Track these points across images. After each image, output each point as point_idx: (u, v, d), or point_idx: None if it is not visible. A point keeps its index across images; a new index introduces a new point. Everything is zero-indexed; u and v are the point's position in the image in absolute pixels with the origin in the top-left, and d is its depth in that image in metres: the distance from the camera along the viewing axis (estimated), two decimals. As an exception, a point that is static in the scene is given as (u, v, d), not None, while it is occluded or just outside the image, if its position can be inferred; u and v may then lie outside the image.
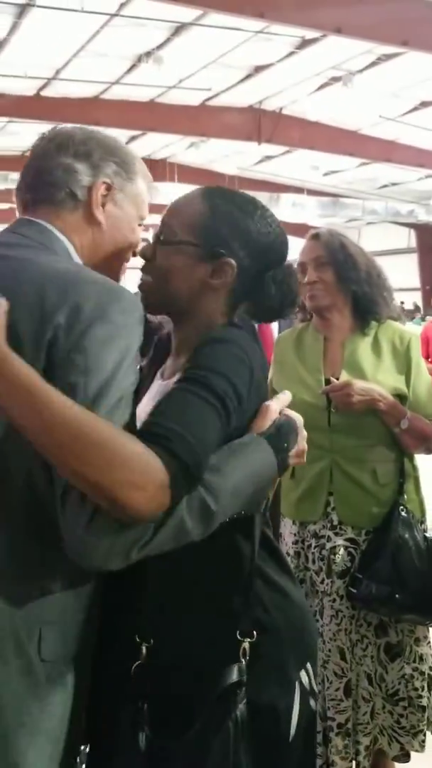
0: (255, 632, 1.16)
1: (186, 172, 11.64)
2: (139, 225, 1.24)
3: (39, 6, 6.35)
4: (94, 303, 1.01)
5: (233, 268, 1.20)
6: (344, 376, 1.92)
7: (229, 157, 10.98)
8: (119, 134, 7.98)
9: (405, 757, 1.96)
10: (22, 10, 6.49)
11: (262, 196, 8.97)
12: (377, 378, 1.91)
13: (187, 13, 6.58)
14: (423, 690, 1.94)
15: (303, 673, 1.23)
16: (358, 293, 1.94)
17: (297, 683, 1.20)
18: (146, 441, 0.98)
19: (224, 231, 1.20)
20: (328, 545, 1.94)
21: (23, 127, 9.81)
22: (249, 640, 1.15)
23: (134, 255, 1.25)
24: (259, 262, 1.22)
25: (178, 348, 1.27)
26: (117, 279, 1.21)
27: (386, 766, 2.00)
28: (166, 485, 0.96)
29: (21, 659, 1.04)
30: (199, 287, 1.20)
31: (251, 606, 1.17)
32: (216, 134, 9.63)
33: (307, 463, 1.86)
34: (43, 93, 8.75)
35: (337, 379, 1.91)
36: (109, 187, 1.17)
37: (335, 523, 1.94)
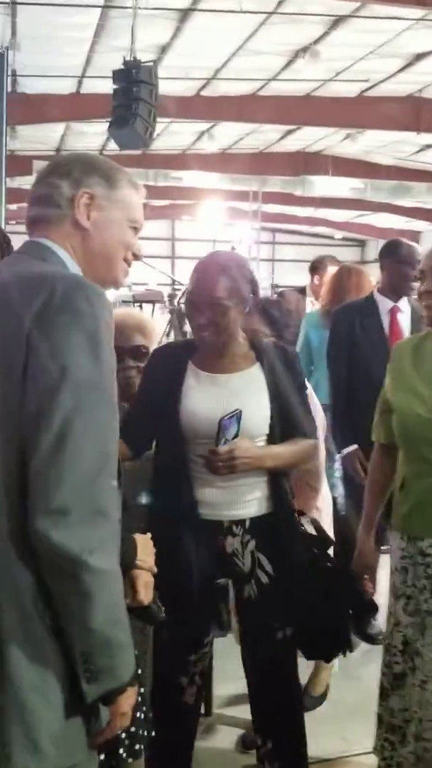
0: None
1: (341, 164, 11.56)
2: (133, 228, 1.40)
3: (200, 10, 6.59)
4: (60, 294, 1.18)
5: None
6: None
7: (387, 147, 10.78)
8: (275, 129, 7.99)
9: None
10: (184, 15, 6.76)
11: (419, 187, 8.69)
12: None
13: (345, 6, 6.57)
14: None
15: None
16: None
17: None
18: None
19: None
20: None
21: (184, 126, 10.18)
22: None
23: (136, 258, 1.41)
24: None
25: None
26: (116, 277, 1.39)
27: None
28: None
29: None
30: None
31: None
32: (373, 125, 9.50)
33: (417, 476, 1.90)
34: (203, 93, 9.02)
35: None
36: (91, 196, 1.34)
37: None
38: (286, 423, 2.06)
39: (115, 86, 6.20)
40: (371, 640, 3.40)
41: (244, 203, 13.22)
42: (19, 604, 1.16)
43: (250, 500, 2.04)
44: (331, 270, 4.68)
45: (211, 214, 13.88)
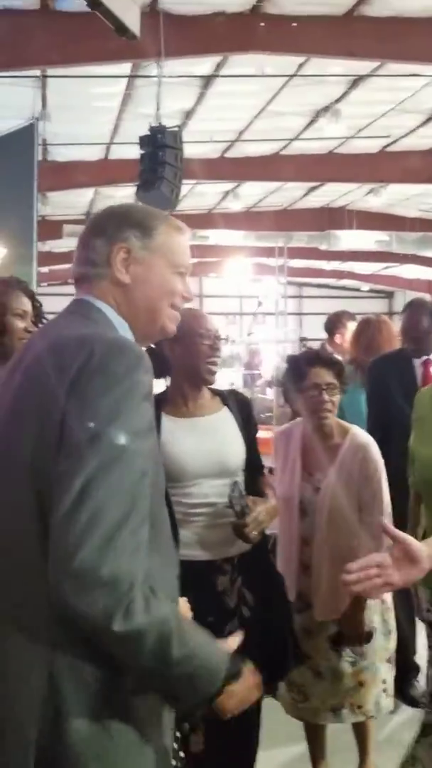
0: None
1: (365, 218, 11.68)
2: (179, 273, 1.36)
3: (222, 75, 6.80)
4: (99, 357, 1.17)
5: None
6: None
7: (410, 200, 10.89)
8: (299, 186, 8.10)
9: None
10: (207, 81, 6.98)
11: (444, 238, 8.46)
12: None
13: (364, 66, 6.73)
14: None
15: None
16: None
17: None
18: None
19: None
20: None
21: (209, 187, 10.40)
22: None
23: (186, 301, 1.38)
24: None
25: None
26: (164, 327, 1.37)
27: None
28: None
29: None
30: None
31: None
32: (396, 179, 9.61)
33: None
34: (227, 155, 9.24)
35: None
36: (127, 251, 1.33)
37: None
38: (253, 458, 2.28)
39: (141, 151, 6.38)
40: (414, 702, 3.27)
41: (270, 259, 13.38)
42: (76, 671, 1.15)
43: (236, 538, 2.12)
44: (351, 326, 4.55)
45: (237, 271, 14.07)
